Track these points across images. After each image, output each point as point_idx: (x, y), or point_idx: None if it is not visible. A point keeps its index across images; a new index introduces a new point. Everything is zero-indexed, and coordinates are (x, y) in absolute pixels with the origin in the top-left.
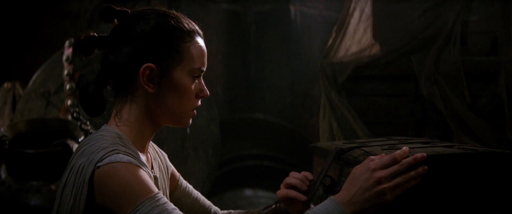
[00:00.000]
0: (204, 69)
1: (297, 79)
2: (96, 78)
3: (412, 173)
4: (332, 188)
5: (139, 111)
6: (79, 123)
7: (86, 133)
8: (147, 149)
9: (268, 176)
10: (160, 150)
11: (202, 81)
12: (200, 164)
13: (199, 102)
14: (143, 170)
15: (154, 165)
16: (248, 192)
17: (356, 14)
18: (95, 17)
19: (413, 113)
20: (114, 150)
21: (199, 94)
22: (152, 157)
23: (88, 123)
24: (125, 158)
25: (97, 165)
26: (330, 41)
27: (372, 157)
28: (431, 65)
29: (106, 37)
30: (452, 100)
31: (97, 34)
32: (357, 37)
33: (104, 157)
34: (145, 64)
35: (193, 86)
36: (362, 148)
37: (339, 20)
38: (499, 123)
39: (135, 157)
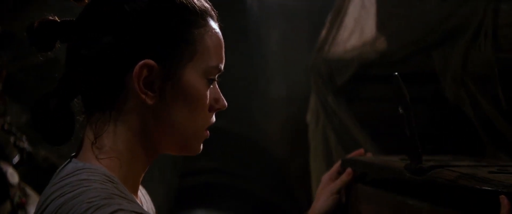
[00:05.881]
0: (222, 68)
1: (253, 77)
2: (59, 87)
3: None
4: None
5: (130, 133)
6: (12, 139)
7: (22, 152)
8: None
9: (223, 194)
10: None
11: (217, 87)
12: (155, 185)
13: (214, 119)
14: None
15: (144, 208)
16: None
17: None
18: None
19: (432, 122)
20: (116, 211)
21: (214, 105)
22: (142, 199)
23: (24, 138)
24: None
25: None
26: (324, 32)
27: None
28: (457, 64)
29: (73, 23)
30: (484, 106)
31: (58, 18)
32: (358, 29)
33: None
34: (142, 62)
35: (208, 94)
36: (452, 169)
37: (334, 8)
38: None
39: None
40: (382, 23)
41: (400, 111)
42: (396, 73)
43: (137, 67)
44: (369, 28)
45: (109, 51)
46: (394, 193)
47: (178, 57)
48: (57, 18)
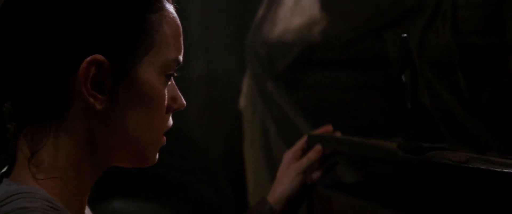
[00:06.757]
0: (181, 60)
1: None
2: None
3: None
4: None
5: (75, 146)
6: None
7: None
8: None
9: (147, 182)
10: None
11: (174, 82)
12: None
13: (171, 121)
14: None
15: None
16: (118, 204)
17: None
18: None
19: (384, 112)
20: None
21: (172, 106)
22: None
23: None
24: None
25: None
26: (261, 11)
27: None
28: (413, 48)
29: None
30: (443, 95)
31: None
32: (299, 8)
33: None
34: (89, 57)
35: (166, 93)
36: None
37: None
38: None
39: None
40: (326, 1)
41: (403, 79)
42: (406, 35)
43: (84, 64)
44: (311, 7)
45: (46, 45)
46: (375, 203)
47: (133, 50)
48: None
